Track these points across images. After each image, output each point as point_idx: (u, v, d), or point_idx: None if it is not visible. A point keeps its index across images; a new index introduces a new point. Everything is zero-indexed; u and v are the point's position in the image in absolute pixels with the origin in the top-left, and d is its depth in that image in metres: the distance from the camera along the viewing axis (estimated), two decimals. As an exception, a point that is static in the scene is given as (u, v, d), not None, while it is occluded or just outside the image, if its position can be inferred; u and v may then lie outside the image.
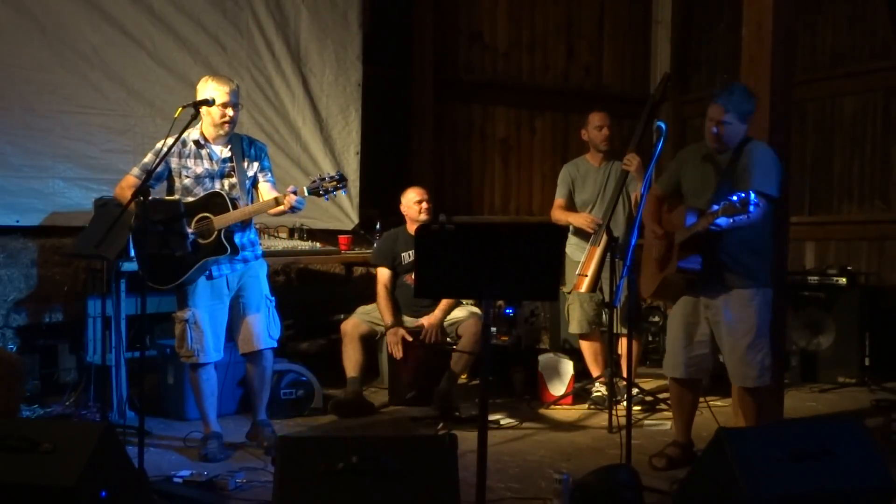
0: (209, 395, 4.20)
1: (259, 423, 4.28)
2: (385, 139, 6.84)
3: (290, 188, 4.03)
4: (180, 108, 3.92)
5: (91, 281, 5.03)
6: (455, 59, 7.22)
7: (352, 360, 5.17)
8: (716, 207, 3.59)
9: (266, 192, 4.19)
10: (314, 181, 4.10)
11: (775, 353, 4.06)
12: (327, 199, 4.19)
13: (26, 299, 5.08)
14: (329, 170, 6.31)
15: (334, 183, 4.09)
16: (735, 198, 3.45)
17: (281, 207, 4.01)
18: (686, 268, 3.85)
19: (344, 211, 6.41)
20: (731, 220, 3.54)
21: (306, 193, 4.04)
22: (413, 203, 5.29)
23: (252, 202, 4.16)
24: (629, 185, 5.12)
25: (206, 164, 4.12)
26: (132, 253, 4.54)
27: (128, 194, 3.97)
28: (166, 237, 3.78)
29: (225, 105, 4.06)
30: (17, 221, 5.24)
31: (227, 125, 4.09)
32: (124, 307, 4.75)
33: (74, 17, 5.38)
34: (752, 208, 3.41)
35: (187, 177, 4.11)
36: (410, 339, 5.12)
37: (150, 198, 3.67)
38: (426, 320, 5.15)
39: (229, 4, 5.94)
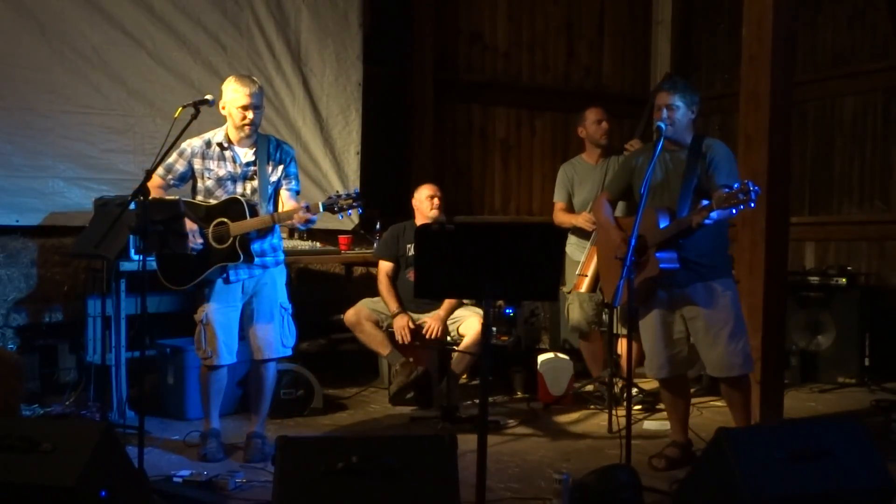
0: (215, 395, 4.18)
1: (252, 433, 4.22)
2: (385, 139, 6.84)
3: (303, 203, 3.95)
4: (180, 108, 3.91)
5: (91, 281, 5.03)
6: (455, 59, 7.21)
7: (376, 339, 5.19)
8: (706, 202, 3.60)
9: (286, 200, 4.14)
10: (330, 197, 3.99)
11: (775, 347, 4.07)
12: (342, 217, 4.07)
13: (26, 299, 5.08)
14: (329, 169, 6.33)
15: (350, 201, 3.95)
16: (727, 190, 3.48)
17: (293, 222, 3.96)
18: (669, 268, 3.85)
19: (344, 210, 6.40)
20: (729, 212, 3.54)
21: (321, 209, 3.93)
22: (425, 198, 5.32)
23: (274, 208, 4.13)
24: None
25: (229, 167, 4.09)
26: (132, 253, 4.54)
27: (155, 195, 3.97)
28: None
29: (245, 107, 4.01)
30: (17, 221, 5.23)
31: (247, 127, 4.04)
32: (124, 307, 4.74)
33: (75, 16, 5.38)
34: (753, 195, 3.42)
35: (209, 178, 4.08)
36: (413, 326, 5.14)
37: (150, 197, 3.63)
38: (429, 319, 5.15)
39: (229, 4, 5.93)
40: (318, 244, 5.93)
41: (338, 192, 4.06)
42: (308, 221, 3.93)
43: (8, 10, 5.18)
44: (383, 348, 5.19)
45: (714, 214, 3.60)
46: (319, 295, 6.21)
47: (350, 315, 5.25)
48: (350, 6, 6.41)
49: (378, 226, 6.07)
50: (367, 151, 6.52)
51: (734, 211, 3.53)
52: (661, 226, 3.85)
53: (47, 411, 4.77)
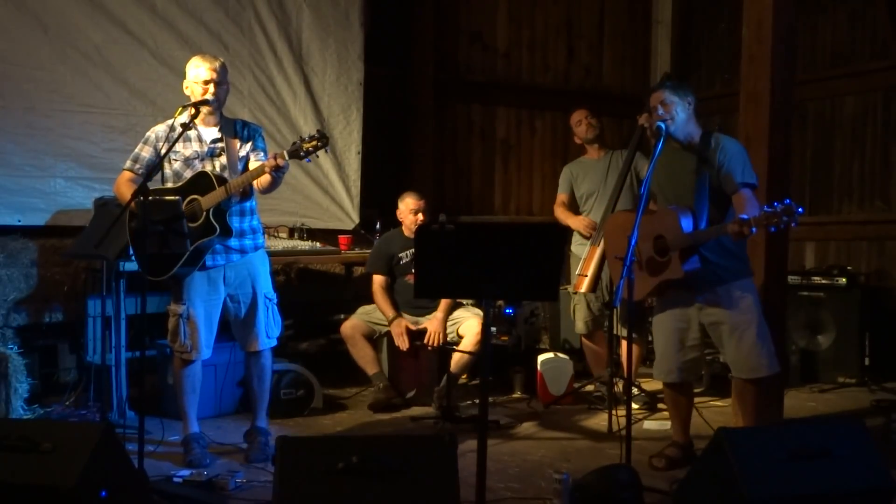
0: (190, 392, 4.11)
1: (256, 430, 4.21)
2: (385, 139, 6.84)
3: (271, 154, 3.84)
4: (180, 108, 3.91)
5: (91, 281, 5.04)
6: (455, 59, 7.21)
7: (366, 357, 5.24)
8: (745, 217, 3.51)
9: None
10: (294, 143, 3.86)
11: (776, 349, 4.06)
12: (309, 160, 3.92)
13: (26, 299, 5.08)
14: (330, 168, 6.32)
15: (314, 143, 3.79)
16: (769, 209, 3.41)
17: (265, 178, 3.82)
18: (692, 269, 3.79)
19: (344, 210, 6.41)
20: (772, 229, 3.46)
21: (287, 158, 3.80)
22: (409, 212, 5.31)
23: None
24: (637, 163, 5.08)
25: (195, 146, 4.00)
26: (132, 252, 4.52)
27: (125, 191, 3.93)
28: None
29: (207, 81, 3.93)
30: (19, 221, 5.23)
31: (209, 106, 3.93)
32: (124, 307, 4.74)
33: (76, 15, 5.38)
34: (797, 216, 3.36)
35: (176, 160, 3.99)
36: (414, 327, 5.18)
37: (150, 197, 3.60)
38: (429, 325, 5.17)
39: (231, 3, 5.93)
40: (318, 244, 5.93)
41: (300, 136, 3.94)
42: (279, 169, 3.78)
43: (10, 9, 5.17)
44: (371, 368, 5.23)
45: (754, 230, 3.53)
46: (319, 295, 6.22)
47: (346, 328, 5.27)
48: (351, 6, 6.41)
49: (378, 225, 6.08)
50: (368, 151, 6.53)
51: (773, 229, 3.46)
52: (686, 227, 3.77)
53: (47, 411, 4.77)
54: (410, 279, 5.25)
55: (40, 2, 5.26)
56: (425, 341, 5.14)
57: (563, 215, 5.36)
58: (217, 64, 3.98)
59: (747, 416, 4.03)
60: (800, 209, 3.39)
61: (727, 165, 3.81)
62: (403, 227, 5.40)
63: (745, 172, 3.80)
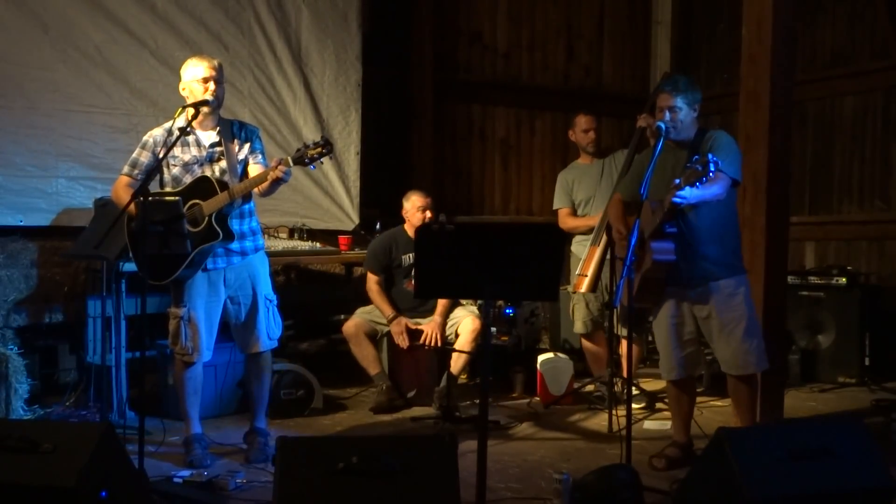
0: (192, 394, 4.10)
1: (256, 430, 4.20)
2: (385, 139, 6.84)
3: (276, 159, 3.83)
4: (180, 109, 3.90)
5: (91, 281, 5.03)
6: (455, 59, 7.21)
7: (368, 357, 5.22)
8: (677, 180, 3.54)
9: (255, 173, 3.97)
10: (298, 150, 3.86)
11: (775, 347, 4.06)
12: (314, 167, 3.93)
13: (26, 299, 5.08)
14: (330, 169, 6.32)
15: (319, 149, 3.80)
16: (689, 166, 3.43)
17: (266, 183, 3.81)
18: (662, 260, 3.79)
19: (344, 211, 6.41)
20: (696, 188, 3.46)
21: (291, 164, 3.80)
22: (417, 209, 5.30)
23: None
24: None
25: (194, 151, 3.98)
26: (132, 255, 4.51)
27: (124, 196, 3.93)
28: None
29: (206, 79, 3.92)
30: (21, 221, 5.23)
31: (208, 107, 3.91)
32: (124, 307, 4.74)
33: (78, 15, 5.38)
34: (711, 167, 3.36)
35: (175, 165, 3.97)
36: (414, 327, 5.17)
37: (150, 198, 3.58)
38: (426, 327, 5.16)
39: (231, 4, 5.94)
40: (318, 244, 5.93)
41: (305, 142, 3.95)
42: (280, 179, 3.78)
43: (11, 9, 5.18)
44: (373, 368, 5.21)
45: (686, 193, 3.51)
46: (319, 295, 6.22)
47: (349, 327, 5.26)
48: (349, 6, 6.41)
49: (378, 226, 6.08)
50: (368, 151, 6.53)
51: (699, 186, 3.43)
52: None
53: (47, 412, 4.77)
54: (410, 286, 5.24)
55: (41, 1, 5.26)
56: (422, 341, 5.14)
57: (576, 222, 5.33)
58: (216, 63, 3.98)
59: (742, 412, 4.03)
60: (714, 160, 3.37)
61: (711, 151, 3.77)
62: (407, 226, 5.38)
63: (725, 162, 3.69)
